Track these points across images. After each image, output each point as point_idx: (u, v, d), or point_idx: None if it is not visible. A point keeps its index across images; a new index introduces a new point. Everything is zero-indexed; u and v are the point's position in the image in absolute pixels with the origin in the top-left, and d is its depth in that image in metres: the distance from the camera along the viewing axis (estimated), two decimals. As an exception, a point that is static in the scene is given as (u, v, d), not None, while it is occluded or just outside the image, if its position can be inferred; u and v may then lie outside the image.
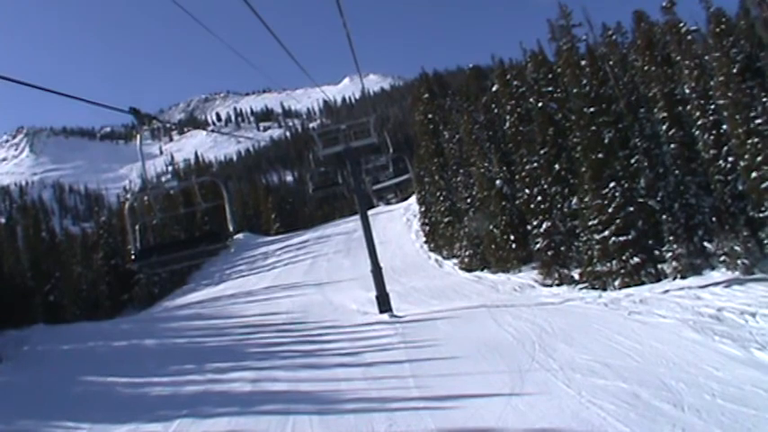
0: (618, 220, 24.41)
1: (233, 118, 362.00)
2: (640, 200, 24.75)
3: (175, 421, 13.90)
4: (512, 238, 33.38)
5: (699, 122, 24.53)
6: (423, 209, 50.23)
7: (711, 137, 24.05)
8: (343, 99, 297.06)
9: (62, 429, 15.09)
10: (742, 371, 10.84)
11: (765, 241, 22.32)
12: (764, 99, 22.07)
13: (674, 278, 22.95)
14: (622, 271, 24.35)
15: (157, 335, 28.70)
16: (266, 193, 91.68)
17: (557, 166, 28.71)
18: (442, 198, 42.99)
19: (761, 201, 22.08)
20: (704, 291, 18.69)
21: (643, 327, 15.19)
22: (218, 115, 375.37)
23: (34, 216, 57.80)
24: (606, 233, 24.75)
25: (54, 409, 16.85)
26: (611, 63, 28.15)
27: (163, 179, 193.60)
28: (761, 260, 21.57)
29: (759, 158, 21.79)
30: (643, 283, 23.52)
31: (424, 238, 49.56)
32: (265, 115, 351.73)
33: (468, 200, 38.07)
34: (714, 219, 23.94)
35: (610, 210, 24.64)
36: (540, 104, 30.14)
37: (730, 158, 23.40)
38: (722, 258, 22.27)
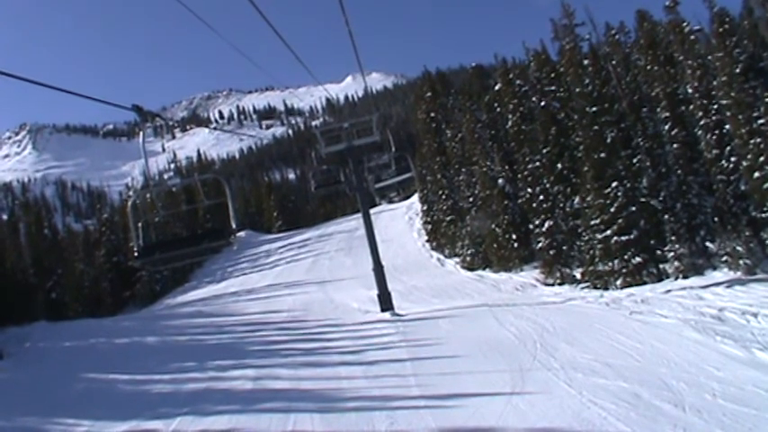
0: (620, 220, 24.39)
1: (236, 116, 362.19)
2: (642, 199, 24.73)
3: (176, 419, 13.90)
4: (514, 237, 33.38)
5: (701, 122, 24.52)
6: (425, 207, 50.21)
7: (714, 137, 24.03)
8: (346, 97, 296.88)
9: (63, 426, 15.08)
10: (743, 371, 10.83)
11: (767, 241, 22.32)
12: (767, 99, 22.04)
13: (676, 278, 22.94)
14: (624, 270, 24.33)
15: (159, 332, 28.73)
16: (268, 190, 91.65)
17: (559, 166, 28.69)
18: (444, 197, 42.98)
19: (763, 201, 22.06)
20: (706, 291, 18.66)
21: (644, 326, 15.17)
22: (220, 113, 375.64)
23: (37, 213, 57.97)
24: (608, 233, 24.74)
25: (55, 406, 16.86)
26: (613, 62, 28.14)
27: (165, 177, 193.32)
28: (763, 260, 21.56)
29: (761, 158, 21.78)
30: (645, 283, 23.50)
31: (425, 237, 49.55)
32: (268, 113, 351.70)
33: (471, 199, 38.06)
34: (716, 219, 23.94)
35: (612, 209, 24.63)
36: (542, 104, 30.12)
37: (733, 158, 23.38)
38: (724, 258, 22.26)
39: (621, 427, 9.26)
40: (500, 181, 34.02)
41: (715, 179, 24.06)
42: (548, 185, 29.19)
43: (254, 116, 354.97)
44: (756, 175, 22.01)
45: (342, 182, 28.57)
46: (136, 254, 10.48)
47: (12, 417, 16.31)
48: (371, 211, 31.98)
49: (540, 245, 29.62)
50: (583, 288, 26.04)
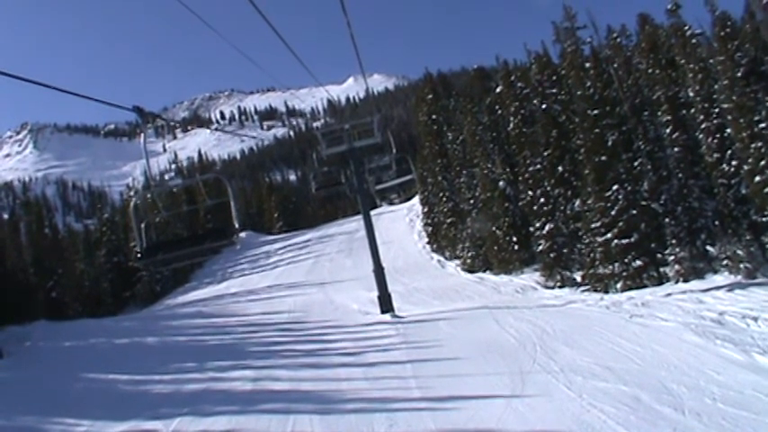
0: (620, 223, 24.40)
1: (237, 116, 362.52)
2: (643, 203, 24.73)
3: (176, 419, 13.91)
4: (514, 239, 33.40)
5: (702, 126, 24.50)
6: (425, 209, 50.20)
7: (715, 140, 24.02)
8: (348, 99, 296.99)
9: (63, 426, 15.09)
10: (743, 375, 10.83)
11: (768, 245, 22.33)
12: (769, 103, 22.05)
13: (677, 281, 22.94)
14: (624, 274, 24.33)
15: (159, 332, 28.74)
16: (269, 191, 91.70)
17: (560, 168, 28.69)
18: (444, 199, 42.98)
19: (764, 205, 22.04)
20: (706, 294, 18.66)
21: (644, 330, 15.17)
22: (221, 114, 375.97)
23: (37, 212, 57.83)
24: (609, 236, 24.74)
25: (55, 406, 16.87)
26: (615, 66, 28.13)
27: (166, 177, 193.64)
28: (763, 264, 21.54)
29: (763, 162, 21.76)
30: (645, 286, 23.50)
31: (426, 239, 49.55)
32: (269, 114, 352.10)
33: (471, 201, 38.07)
34: (717, 222, 23.93)
35: (613, 212, 24.63)
36: (543, 106, 30.12)
37: (734, 162, 23.36)
38: (725, 262, 22.24)
39: (621, 431, 9.27)
40: (501, 183, 34.04)
41: (716, 183, 24.05)
42: (548, 188, 29.20)
43: (256, 117, 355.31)
44: (757, 178, 21.99)
45: (343, 183, 28.62)
46: (139, 255, 10.48)
47: (11, 416, 16.32)
48: (372, 212, 32.02)
49: (540, 247, 29.62)
50: (583, 291, 26.04)
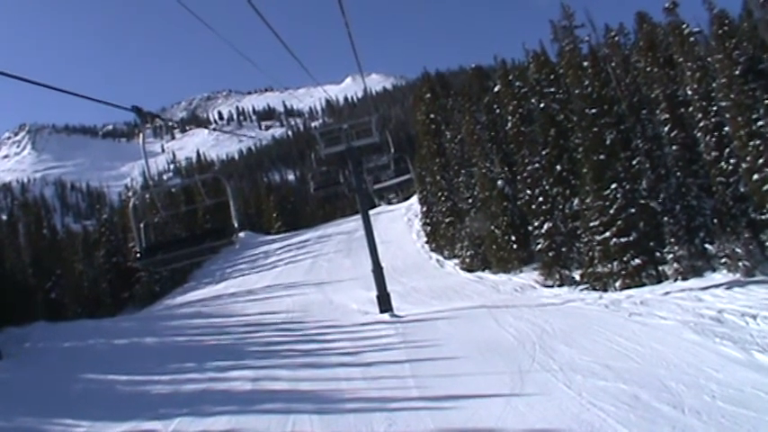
0: (619, 222, 24.41)
1: (235, 116, 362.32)
2: (642, 201, 24.75)
3: (175, 419, 13.90)
4: (513, 238, 33.39)
5: (701, 124, 24.53)
6: (424, 209, 50.20)
7: (713, 139, 24.05)
8: (346, 98, 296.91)
9: (62, 427, 15.09)
10: (742, 373, 10.84)
11: (767, 243, 22.34)
12: (766, 101, 22.06)
13: (675, 280, 22.95)
14: (623, 272, 24.34)
15: (158, 333, 28.72)
16: (268, 191, 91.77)
17: (558, 167, 28.70)
18: (443, 198, 42.97)
19: (762, 203, 22.08)
20: (705, 293, 18.68)
21: (643, 328, 15.18)
22: (220, 114, 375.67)
23: (36, 213, 57.87)
24: (607, 234, 24.75)
25: (54, 407, 16.86)
26: (613, 64, 28.15)
27: (165, 177, 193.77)
28: (762, 262, 21.57)
29: (761, 160, 21.80)
30: (644, 285, 23.52)
31: (425, 239, 49.55)
32: (267, 114, 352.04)
33: (470, 200, 38.07)
34: (715, 221, 23.96)
35: (611, 211, 24.64)
36: (541, 105, 30.13)
37: (732, 160, 23.40)
38: (723, 260, 22.27)
39: (621, 429, 9.27)
40: (499, 182, 34.03)
41: (714, 181, 24.08)
42: (547, 187, 29.20)
43: (254, 117, 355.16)
44: (756, 177, 22.03)
45: (341, 183, 28.62)
46: (138, 255, 10.46)
47: (11, 417, 16.31)
48: (370, 212, 31.99)
49: (539, 246, 29.63)
50: (582, 290, 26.04)
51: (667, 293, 19.95)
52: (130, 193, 79.53)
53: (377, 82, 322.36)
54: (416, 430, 10.86)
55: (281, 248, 62.64)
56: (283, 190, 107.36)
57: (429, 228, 48.17)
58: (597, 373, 12.16)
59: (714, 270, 22.64)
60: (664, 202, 24.67)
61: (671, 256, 23.76)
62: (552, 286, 28.27)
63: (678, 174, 24.86)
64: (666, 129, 25.68)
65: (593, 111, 25.95)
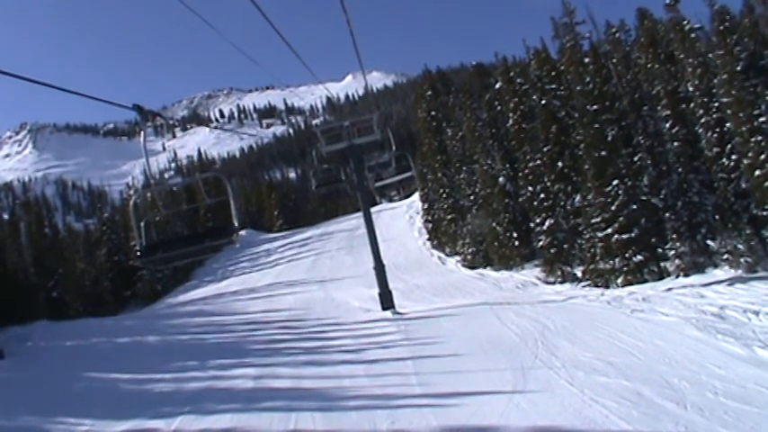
0: (621, 218, 24.40)
1: (236, 115, 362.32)
2: (643, 198, 24.74)
3: (178, 418, 13.89)
4: (514, 235, 33.40)
5: (702, 120, 24.51)
6: (426, 206, 50.21)
7: (715, 135, 24.03)
8: (347, 96, 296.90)
9: (64, 425, 15.08)
10: (745, 369, 10.82)
11: (768, 239, 22.33)
12: (768, 97, 22.05)
13: (677, 276, 22.94)
14: (625, 269, 24.34)
15: (160, 331, 28.72)
16: (269, 189, 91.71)
17: (560, 164, 28.69)
18: (444, 195, 43.00)
19: (764, 199, 22.06)
20: (707, 289, 18.64)
21: (646, 325, 15.16)
22: (221, 112, 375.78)
23: (37, 212, 57.84)
24: (609, 231, 24.75)
25: (56, 405, 16.86)
26: (614, 61, 28.13)
27: (166, 176, 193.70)
28: (764, 258, 21.55)
29: (762, 156, 21.78)
30: (646, 281, 23.52)
31: (426, 236, 49.58)
32: (268, 112, 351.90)
33: (471, 197, 38.08)
34: (717, 217, 23.94)
35: (613, 207, 24.63)
36: (543, 102, 30.11)
37: (733, 156, 23.38)
38: (725, 256, 22.27)
39: (623, 426, 9.25)
40: (501, 179, 34.02)
41: (716, 177, 24.06)
42: (548, 184, 29.20)
43: (255, 115, 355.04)
44: (757, 172, 22.00)
45: (342, 181, 28.60)
46: (138, 253, 10.46)
47: (13, 416, 16.32)
48: (372, 209, 32.00)
49: (540, 243, 29.64)
50: (584, 286, 26.06)
51: (669, 290, 19.93)
52: (132, 192, 79.50)
53: (378, 79, 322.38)
54: (419, 427, 10.84)
55: (282, 246, 62.65)
56: (285, 188, 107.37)
57: (431, 225, 48.20)
58: (599, 369, 12.14)
59: (716, 266, 22.62)
60: (665, 198, 24.65)
61: (673, 252, 23.76)
62: (554, 283, 28.28)
63: (680, 170, 24.84)
64: (668, 125, 25.66)
65: (595, 107, 25.94)
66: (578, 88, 27.23)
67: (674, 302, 17.09)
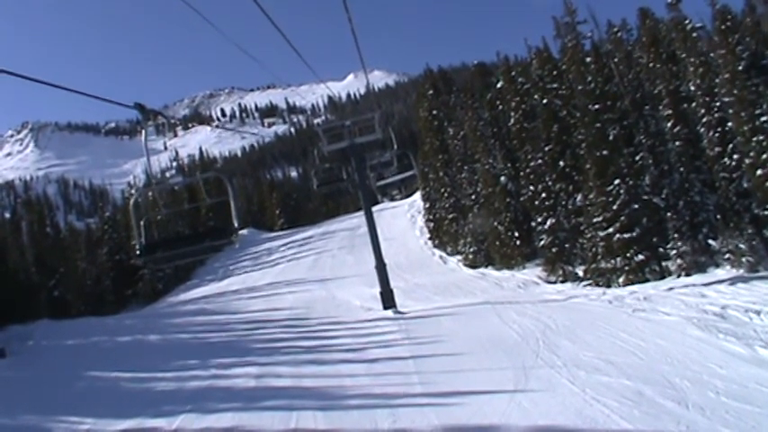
0: (622, 218, 24.39)
1: (237, 114, 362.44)
2: (645, 197, 24.72)
3: (179, 416, 13.90)
4: (516, 234, 33.39)
5: (704, 120, 24.49)
6: (427, 205, 50.24)
7: (716, 134, 24.00)
8: (348, 95, 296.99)
9: (66, 424, 15.08)
10: (746, 369, 10.81)
11: (770, 239, 22.29)
12: (770, 96, 22.02)
13: (679, 276, 22.92)
14: (626, 268, 24.33)
15: (161, 330, 28.75)
16: (271, 188, 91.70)
17: (561, 163, 28.68)
18: (446, 195, 42.99)
19: (766, 198, 22.04)
20: (709, 288, 18.62)
21: (647, 324, 15.15)
22: (222, 111, 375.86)
23: (39, 211, 57.93)
24: (610, 230, 24.73)
25: (58, 404, 16.87)
26: (615, 60, 28.12)
27: (167, 175, 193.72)
28: (765, 258, 21.51)
29: (764, 156, 21.75)
30: (647, 281, 23.49)
31: (428, 235, 49.59)
32: (270, 111, 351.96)
33: (473, 196, 38.06)
34: (719, 216, 23.91)
35: (614, 207, 24.62)
36: (544, 101, 30.09)
37: (735, 156, 23.36)
38: (727, 256, 22.23)
39: (625, 425, 9.25)
40: (502, 179, 34.01)
41: (717, 177, 24.04)
42: (550, 183, 29.18)
43: (257, 114, 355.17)
44: (759, 172, 21.98)
45: (344, 180, 28.60)
46: (138, 251, 10.47)
47: (15, 415, 16.33)
48: (373, 208, 31.99)
49: (542, 242, 29.63)
50: (585, 286, 26.03)
51: (671, 289, 19.91)
52: (133, 191, 79.60)
53: (379, 78, 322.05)
54: (421, 426, 10.84)
55: (283, 245, 62.66)
56: (286, 187, 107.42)
57: (432, 224, 48.21)
58: (601, 368, 12.14)
59: (717, 266, 22.59)
60: (667, 197, 24.63)
61: (674, 251, 23.73)
62: (555, 282, 28.26)
63: (681, 169, 24.82)
64: (669, 124, 25.64)
65: (596, 107, 25.92)
66: (580, 87, 27.21)
67: (675, 302, 17.08)
